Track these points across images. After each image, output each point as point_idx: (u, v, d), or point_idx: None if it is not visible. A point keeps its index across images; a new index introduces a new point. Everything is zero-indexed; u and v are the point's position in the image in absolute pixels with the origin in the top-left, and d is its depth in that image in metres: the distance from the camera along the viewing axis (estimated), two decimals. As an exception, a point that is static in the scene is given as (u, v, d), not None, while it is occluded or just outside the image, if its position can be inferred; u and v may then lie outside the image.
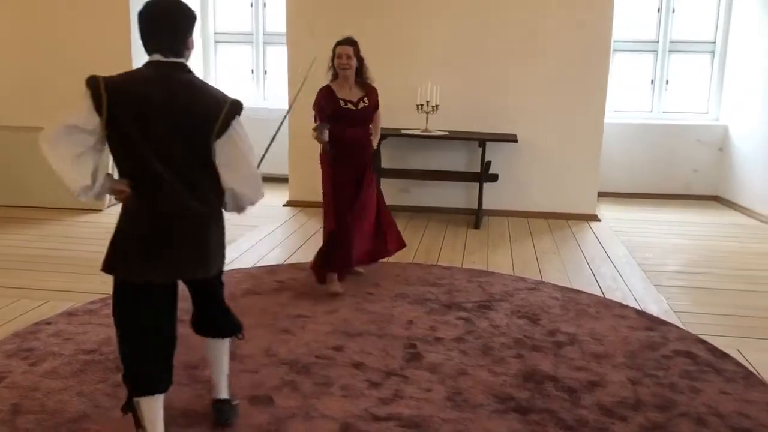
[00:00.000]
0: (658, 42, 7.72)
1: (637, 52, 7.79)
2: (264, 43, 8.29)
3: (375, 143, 4.43)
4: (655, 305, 4.18)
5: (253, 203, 2.39)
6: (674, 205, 7.34)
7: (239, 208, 2.38)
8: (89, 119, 2.09)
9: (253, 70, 8.31)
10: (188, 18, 2.23)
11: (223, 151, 2.22)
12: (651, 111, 7.88)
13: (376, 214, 4.38)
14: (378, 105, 4.33)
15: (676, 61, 7.78)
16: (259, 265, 4.84)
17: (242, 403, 2.78)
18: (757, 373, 3.20)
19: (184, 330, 3.54)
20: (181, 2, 2.24)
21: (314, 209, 6.64)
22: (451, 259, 5.08)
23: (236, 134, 2.23)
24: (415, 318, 3.79)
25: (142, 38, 2.21)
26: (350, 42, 4.14)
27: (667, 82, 7.78)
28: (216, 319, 2.53)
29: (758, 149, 6.93)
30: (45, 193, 6.44)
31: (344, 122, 4.11)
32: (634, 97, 7.87)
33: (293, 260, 4.99)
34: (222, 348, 2.61)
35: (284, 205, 6.90)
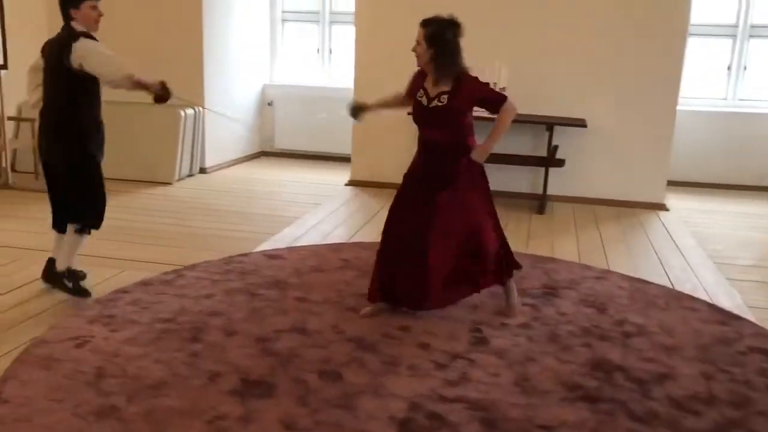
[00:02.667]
0: (737, 26, 7.42)
1: (714, 36, 7.50)
2: (330, 22, 8.32)
3: (479, 155, 3.44)
4: (727, 299, 4.06)
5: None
6: (747, 197, 7.07)
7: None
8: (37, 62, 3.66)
9: (318, 49, 8.36)
10: (63, 3, 3.52)
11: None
12: (726, 98, 7.60)
13: (466, 240, 3.47)
14: (490, 100, 3.44)
15: (755, 47, 7.46)
16: (323, 242, 4.91)
17: (312, 376, 2.84)
18: (837, 374, 3.09)
19: (257, 303, 3.65)
20: None
21: (375, 189, 6.69)
22: (515, 245, 4.99)
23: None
24: (480, 302, 3.78)
25: None
26: (425, 23, 3.35)
27: (744, 68, 7.48)
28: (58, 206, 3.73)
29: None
30: (118, 166, 6.66)
31: (417, 118, 3.53)
32: (709, 83, 7.60)
33: (357, 239, 5.04)
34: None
35: (346, 185, 6.96)
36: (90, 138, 3.59)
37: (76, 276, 3.73)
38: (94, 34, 3.54)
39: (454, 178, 3.44)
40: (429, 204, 3.44)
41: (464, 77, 3.39)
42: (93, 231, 3.81)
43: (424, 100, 3.42)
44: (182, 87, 3.74)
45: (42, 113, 3.62)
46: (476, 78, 3.46)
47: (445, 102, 3.36)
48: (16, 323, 3.33)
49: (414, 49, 3.39)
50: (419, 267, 3.43)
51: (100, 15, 3.56)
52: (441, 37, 3.32)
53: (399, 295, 3.54)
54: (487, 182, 3.55)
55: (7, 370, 2.82)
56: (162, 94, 3.53)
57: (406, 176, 3.59)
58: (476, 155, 3.45)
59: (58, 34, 3.53)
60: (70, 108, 3.51)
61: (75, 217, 3.69)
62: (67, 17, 3.50)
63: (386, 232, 3.57)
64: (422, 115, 3.47)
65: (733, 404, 2.77)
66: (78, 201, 3.67)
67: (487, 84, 3.62)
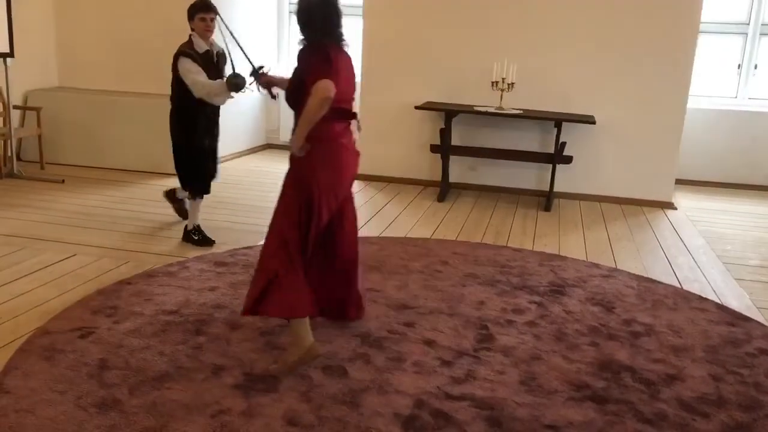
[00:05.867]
0: (748, 24, 7.34)
1: (725, 34, 7.43)
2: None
3: (291, 145, 2.80)
4: (735, 300, 4.02)
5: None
6: (757, 197, 7.02)
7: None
8: None
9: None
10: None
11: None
12: (736, 97, 7.53)
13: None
14: (302, 76, 2.79)
15: (767, 45, 7.38)
16: (329, 236, 4.87)
17: (316, 372, 2.82)
18: None
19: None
20: None
21: (381, 183, 6.65)
22: (521, 242, 5.01)
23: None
24: (486, 299, 3.76)
25: None
26: None
27: (755, 66, 7.41)
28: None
29: None
30: (126, 156, 6.67)
31: None
32: (718, 81, 7.53)
33: (361, 234, 4.99)
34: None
35: (352, 178, 6.91)
36: (193, 125, 4.34)
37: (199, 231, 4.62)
38: (205, 42, 4.31)
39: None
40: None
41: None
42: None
43: None
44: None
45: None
46: (311, 50, 2.82)
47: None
48: (20, 313, 3.31)
49: None
50: None
51: (208, 26, 4.27)
52: (304, 12, 2.87)
53: None
54: (297, 193, 2.82)
55: (9, 361, 2.80)
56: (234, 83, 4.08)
57: None
58: (290, 145, 2.80)
59: (183, 43, 4.31)
60: (178, 101, 4.34)
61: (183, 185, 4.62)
62: (191, 28, 4.35)
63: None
64: None
65: (741, 407, 2.73)
66: (180, 172, 4.52)
67: (317, 56, 2.77)
